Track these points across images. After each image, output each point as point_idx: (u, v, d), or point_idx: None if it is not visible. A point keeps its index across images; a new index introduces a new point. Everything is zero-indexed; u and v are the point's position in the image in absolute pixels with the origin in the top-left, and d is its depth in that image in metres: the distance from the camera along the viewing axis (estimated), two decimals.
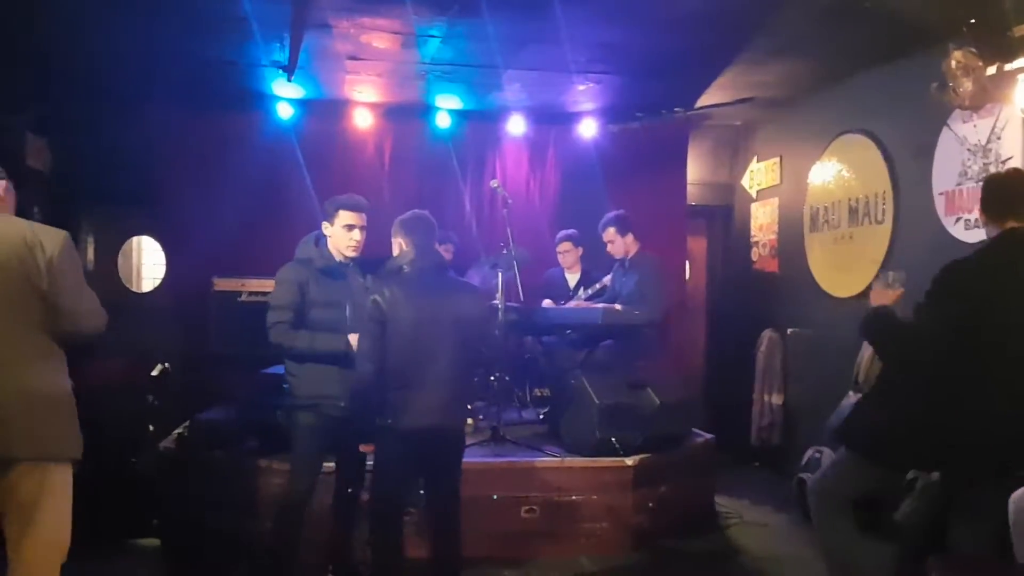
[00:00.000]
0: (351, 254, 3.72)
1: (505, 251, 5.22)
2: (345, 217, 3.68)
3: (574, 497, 4.56)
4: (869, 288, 3.45)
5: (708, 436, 5.41)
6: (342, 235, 3.69)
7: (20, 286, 2.61)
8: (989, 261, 3.05)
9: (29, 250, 2.61)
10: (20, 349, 2.63)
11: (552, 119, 6.72)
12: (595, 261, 5.96)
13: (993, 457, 2.93)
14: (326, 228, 3.74)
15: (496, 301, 4.99)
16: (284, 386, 3.73)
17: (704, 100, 6.27)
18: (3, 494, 2.60)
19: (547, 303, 5.68)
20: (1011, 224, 3.02)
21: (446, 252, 6.13)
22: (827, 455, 5.11)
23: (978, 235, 4.51)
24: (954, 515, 3.15)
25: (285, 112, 6.22)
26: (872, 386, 3.61)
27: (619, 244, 5.46)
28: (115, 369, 5.24)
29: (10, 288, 2.61)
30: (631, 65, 5.46)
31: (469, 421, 5.22)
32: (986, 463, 2.95)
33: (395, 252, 3.53)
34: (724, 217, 7.62)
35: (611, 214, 5.55)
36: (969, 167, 4.59)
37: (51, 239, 2.66)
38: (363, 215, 3.73)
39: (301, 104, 6.28)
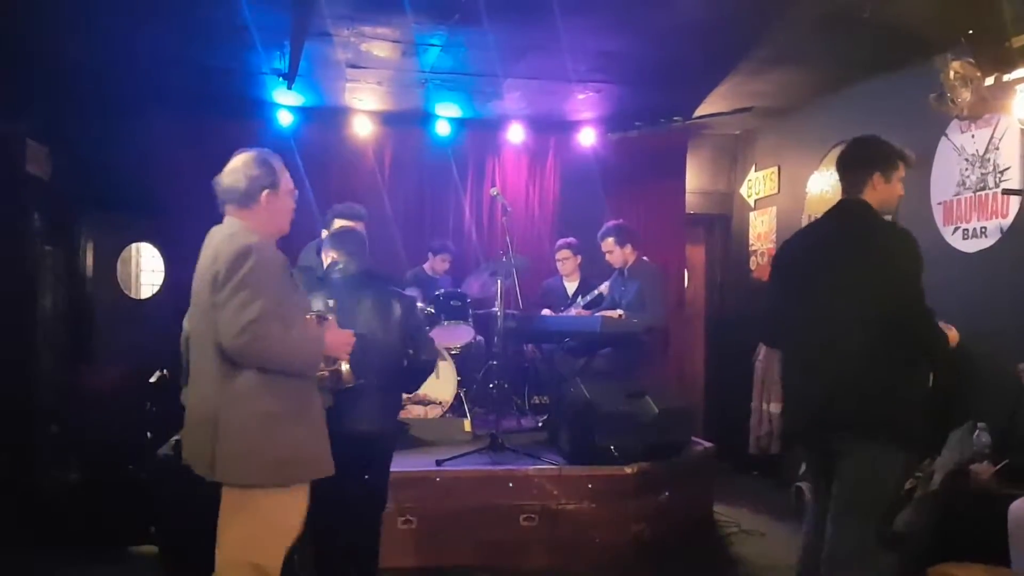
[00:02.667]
0: None
1: (504, 259, 5.22)
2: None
3: (573, 505, 4.54)
4: None
5: (707, 444, 5.41)
6: None
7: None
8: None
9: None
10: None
11: (551, 128, 6.74)
12: (594, 269, 5.96)
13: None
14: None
15: (495, 308, 5.00)
16: None
17: (703, 109, 6.29)
18: None
19: (546, 312, 5.69)
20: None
21: (443, 261, 6.15)
22: None
23: (977, 244, 4.53)
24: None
25: (285, 120, 6.23)
26: None
27: (618, 254, 5.46)
28: (114, 375, 5.23)
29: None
30: (630, 74, 5.48)
31: (466, 428, 5.23)
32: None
33: (325, 263, 3.53)
34: (722, 226, 7.62)
35: (610, 224, 5.53)
36: (967, 177, 4.60)
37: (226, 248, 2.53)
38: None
39: (301, 112, 6.30)
